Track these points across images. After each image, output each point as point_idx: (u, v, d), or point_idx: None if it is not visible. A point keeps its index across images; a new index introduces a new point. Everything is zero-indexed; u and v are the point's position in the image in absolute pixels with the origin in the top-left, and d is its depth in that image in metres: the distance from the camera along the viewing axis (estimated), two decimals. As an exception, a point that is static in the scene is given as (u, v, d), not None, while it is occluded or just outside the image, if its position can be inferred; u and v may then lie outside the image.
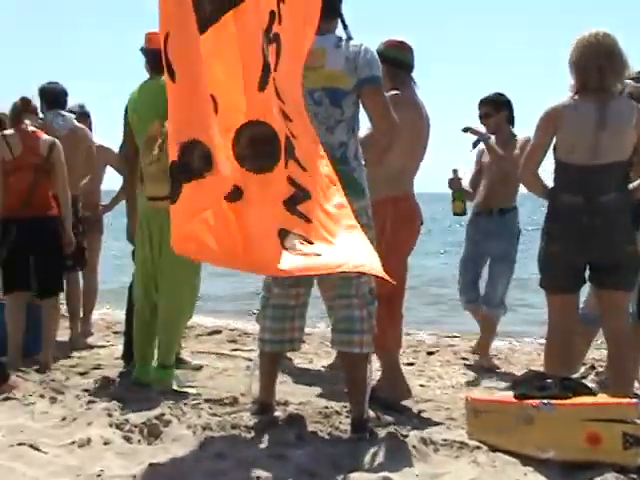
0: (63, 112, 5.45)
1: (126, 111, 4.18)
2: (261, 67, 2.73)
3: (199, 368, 4.73)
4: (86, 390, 3.87)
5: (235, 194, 2.71)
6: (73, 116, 5.52)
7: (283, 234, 2.77)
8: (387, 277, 2.82)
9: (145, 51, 4.16)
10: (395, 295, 3.73)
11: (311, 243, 2.79)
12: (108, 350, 5.38)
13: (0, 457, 2.75)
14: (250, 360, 4.93)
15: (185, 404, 3.49)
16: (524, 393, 3.02)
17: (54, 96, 5.47)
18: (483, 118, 5.06)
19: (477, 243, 5.09)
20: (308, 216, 2.83)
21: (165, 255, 3.94)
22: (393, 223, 3.77)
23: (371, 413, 3.31)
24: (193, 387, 4.11)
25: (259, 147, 2.72)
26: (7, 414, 3.38)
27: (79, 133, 5.38)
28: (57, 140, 4.69)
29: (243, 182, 2.73)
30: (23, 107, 4.63)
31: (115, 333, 6.06)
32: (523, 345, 6.26)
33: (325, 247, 2.82)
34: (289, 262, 2.74)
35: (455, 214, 5.17)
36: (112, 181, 6.13)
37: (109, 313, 7.24)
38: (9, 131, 4.60)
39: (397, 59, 3.87)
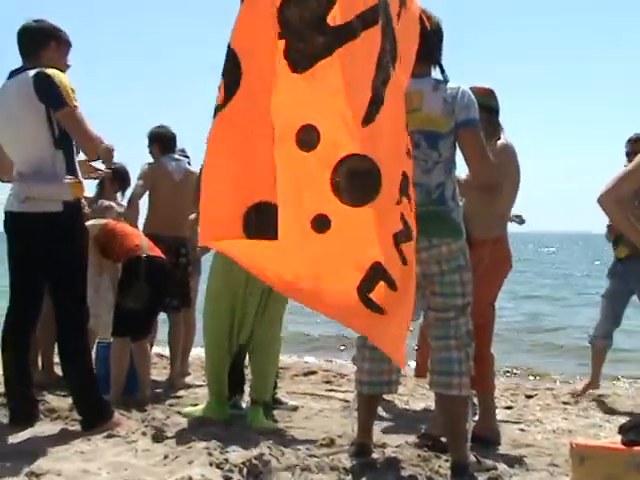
0: (176, 156, 5.66)
1: None
2: (368, 102, 2.74)
3: (295, 409, 4.75)
4: (186, 429, 3.93)
5: (321, 223, 2.71)
6: (187, 160, 5.72)
7: (375, 272, 2.74)
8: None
9: None
10: (484, 335, 3.69)
11: (395, 290, 2.76)
12: (205, 389, 5.47)
13: (106, 494, 2.81)
14: (346, 401, 4.93)
15: (284, 445, 3.50)
16: (633, 439, 2.90)
17: (167, 140, 5.68)
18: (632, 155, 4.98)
19: (627, 281, 5.41)
20: (406, 258, 2.82)
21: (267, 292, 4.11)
22: (489, 264, 3.75)
23: (471, 457, 3.24)
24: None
25: (357, 181, 2.72)
26: (111, 451, 3.45)
27: (191, 177, 5.51)
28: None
29: (334, 213, 2.72)
30: None
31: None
32: (627, 388, 6.03)
33: (397, 305, 2.79)
34: (352, 313, 2.74)
35: (619, 259, 5.51)
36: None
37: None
38: None
39: (490, 106, 3.91)
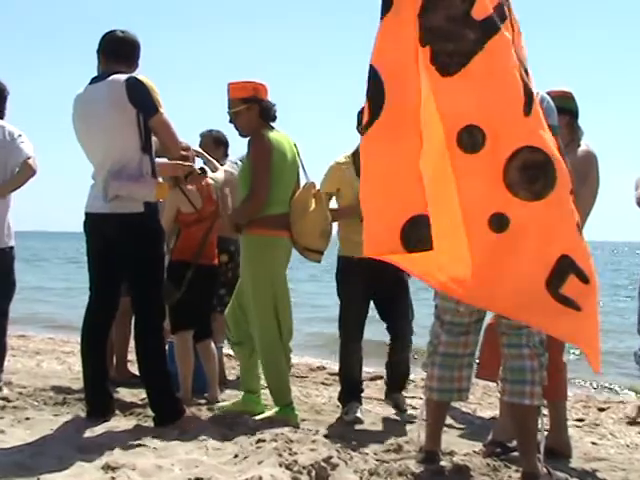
0: (232, 159, 5.76)
1: None
2: (523, 92, 2.70)
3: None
4: (255, 429, 3.98)
5: (499, 222, 2.71)
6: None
7: (563, 265, 2.68)
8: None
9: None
10: (557, 344, 3.61)
11: (587, 282, 2.69)
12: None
13: (178, 489, 2.87)
14: (412, 407, 4.91)
15: (352, 448, 3.50)
16: None
17: (226, 144, 5.79)
18: None
19: None
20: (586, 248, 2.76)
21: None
22: None
23: (542, 469, 3.18)
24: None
25: (532, 174, 2.68)
26: (182, 448, 3.51)
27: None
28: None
29: (511, 210, 2.70)
30: None
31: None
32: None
33: (592, 300, 2.74)
34: (543, 311, 2.71)
35: None
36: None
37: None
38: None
39: (570, 109, 3.84)
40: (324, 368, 7.28)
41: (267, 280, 4.22)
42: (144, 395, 4.46)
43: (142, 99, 3.82)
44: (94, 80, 4.00)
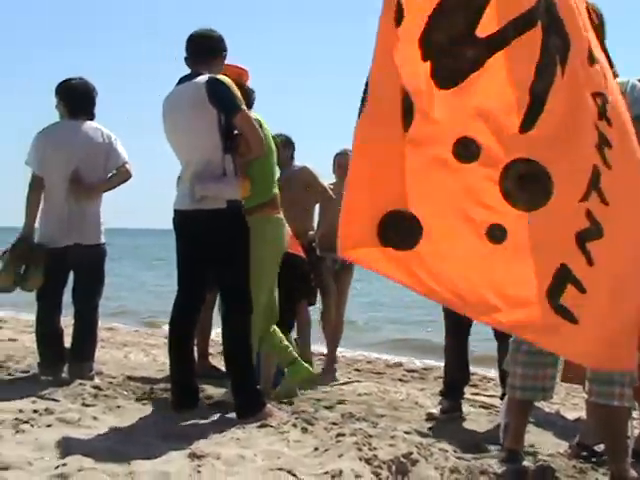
0: None
1: None
2: (526, 107, 2.71)
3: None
4: (334, 423, 4.01)
5: (495, 233, 2.72)
6: None
7: (563, 274, 2.67)
8: None
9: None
10: None
11: (583, 292, 2.67)
12: (351, 387, 5.58)
13: (261, 479, 2.92)
14: (492, 406, 4.86)
15: (432, 445, 3.50)
16: None
17: (292, 146, 5.97)
18: None
19: None
20: (593, 259, 2.69)
21: None
22: None
23: (632, 473, 3.10)
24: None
25: (528, 184, 2.71)
26: (264, 440, 3.57)
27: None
28: None
29: (508, 220, 2.72)
30: None
31: (357, 371, 6.29)
32: None
33: (590, 312, 2.68)
34: (541, 326, 2.69)
35: None
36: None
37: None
38: None
39: None
40: (401, 365, 7.27)
41: (277, 259, 4.38)
42: (226, 387, 4.57)
43: (222, 99, 3.88)
44: (181, 81, 4.10)
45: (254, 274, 4.13)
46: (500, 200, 2.73)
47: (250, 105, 4.38)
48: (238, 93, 3.93)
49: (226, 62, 4.30)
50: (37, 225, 5.02)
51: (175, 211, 4.14)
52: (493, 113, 2.75)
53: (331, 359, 6.11)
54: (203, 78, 3.95)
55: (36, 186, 4.99)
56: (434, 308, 4.72)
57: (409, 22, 2.75)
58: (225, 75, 4.12)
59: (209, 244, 4.01)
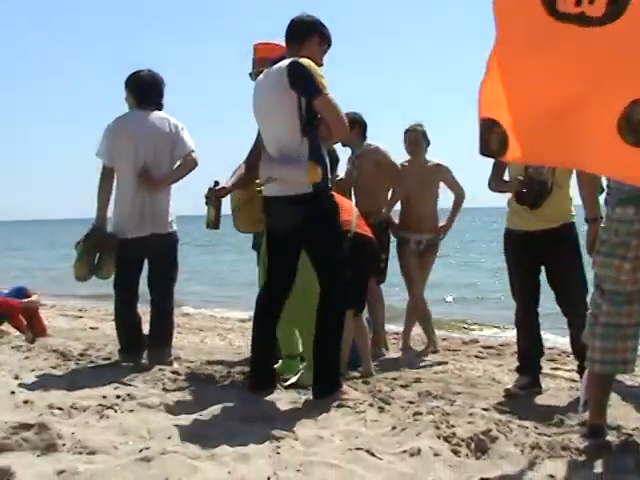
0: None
1: None
2: None
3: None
4: (411, 402, 4.00)
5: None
6: None
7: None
8: None
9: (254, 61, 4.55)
10: None
11: None
12: (426, 364, 5.56)
13: (339, 459, 2.93)
14: (572, 380, 4.77)
15: (511, 422, 3.45)
16: None
17: (363, 125, 5.95)
18: None
19: None
20: None
21: None
22: None
23: None
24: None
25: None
26: (341, 420, 3.59)
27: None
28: None
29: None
30: None
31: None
32: None
33: None
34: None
35: None
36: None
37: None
38: None
39: None
40: (477, 341, 7.20)
41: None
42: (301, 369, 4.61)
43: (302, 83, 3.86)
44: (272, 64, 4.11)
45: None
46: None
47: None
48: (320, 77, 3.88)
49: (272, 41, 4.38)
50: (110, 215, 5.15)
51: (263, 198, 4.17)
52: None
53: (407, 336, 6.10)
54: (285, 62, 3.95)
55: (107, 177, 5.11)
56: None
57: None
58: (274, 52, 4.18)
59: (300, 229, 3.98)
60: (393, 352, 6.08)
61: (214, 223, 4.66)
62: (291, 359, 4.73)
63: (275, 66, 4.01)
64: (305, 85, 3.86)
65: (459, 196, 6.13)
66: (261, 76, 4.14)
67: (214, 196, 4.61)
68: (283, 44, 4.39)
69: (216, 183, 4.64)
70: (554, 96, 2.97)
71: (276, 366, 4.65)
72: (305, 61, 3.89)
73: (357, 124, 5.76)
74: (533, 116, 3.00)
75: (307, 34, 4.06)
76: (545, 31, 2.96)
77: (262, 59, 4.59)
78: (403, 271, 6.04)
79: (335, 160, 5.71)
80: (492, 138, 3.02)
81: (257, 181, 4.40)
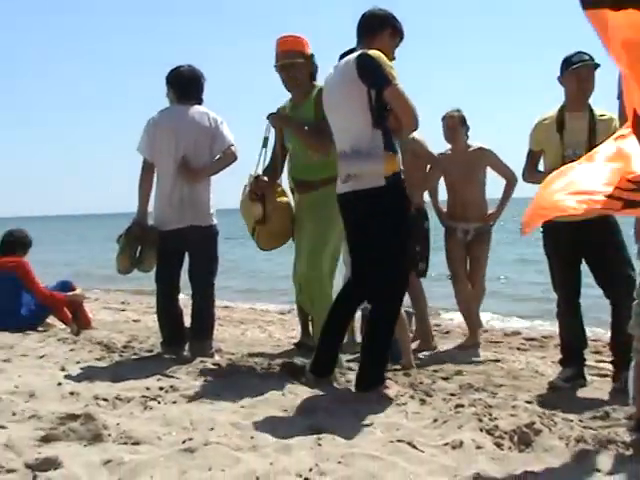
0: None
1: None
2: None
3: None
4: (452, 394, 3.98)
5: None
6: None
7: None
8: None
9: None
10: None
11: None
12: (468, 357, 5.52)
13: (381, 451, 2.93)
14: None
15: (555, 414, 3.41)
16: None
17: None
18: None
19: None
20: None
21: None
22: None
23: None
24: None
25: None
26: (382, 412, 3.58)
27: None
28: None
29: None
30: None
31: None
32: None
33: None
34: None
35: None
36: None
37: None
38: None
39: None
40: (519, 333, 7.13)
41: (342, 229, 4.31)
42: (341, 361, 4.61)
43: (371, 74, 3.81)
44: (341, 57, 4.10)
45: (323, 241, 4.37)
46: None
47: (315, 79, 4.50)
48: (390, 68, 3.83)
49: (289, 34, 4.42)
50: (151, 209, 5.20)
51: (338, 195, 4.12)
52: None
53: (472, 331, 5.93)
54: (354, 54, 3.93)
55: (147, 171, 5.16)
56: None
57: None
58: (305, 46, 4.29)
59: (369, 224, 3.94)
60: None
61: (263, 218, 4.66)
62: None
63: (343, 59, 4.00)
64: (374, 76, 3.81)
65: (509, 179, 5.82)
66: (330, 70, 4.11)
67: (258, 191, 4.62)
68: (305, 37, 4.42)
69: (257, 177, 4.65)
70: None
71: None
72: (374, 52, 3.85)
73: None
74: None
75: (379, 27, 4.01)
76: None
77: (284, 52, 4.57)
78: (448, 262, 5.96)
79: None
80: None
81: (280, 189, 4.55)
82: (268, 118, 4.63)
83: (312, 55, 4.59)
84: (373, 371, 3.97)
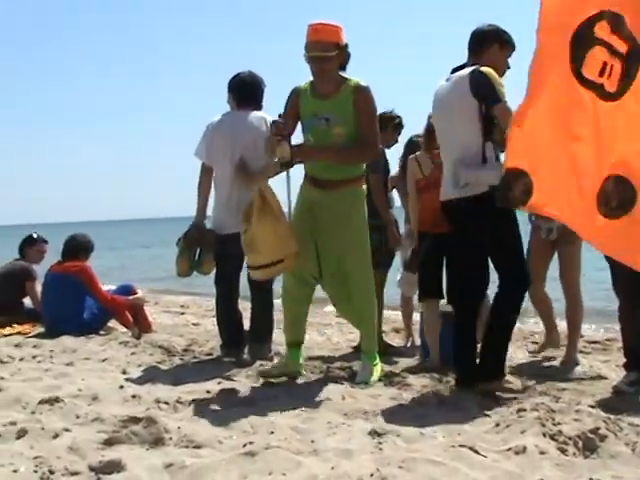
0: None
1: None
2: None
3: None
4: (514, 398, 3.91)
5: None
6: None
7: None
8: None
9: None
10: None
11: None
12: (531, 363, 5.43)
13: (443, 456, 2.89)
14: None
15: (620, 420, 3.32)
16: None
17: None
18: None
19: None
20: None
21: None
22: None
23: None
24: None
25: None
26: (443, 416, 3.53)
27: None
28: None
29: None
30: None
31: (534, 343, 6.11)
32: None
33: None
34: None
35: None
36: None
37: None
38: (420, 152, 5.19)
39: None
40: (582, 336, 6.95)
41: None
42: (401, 365, 4.59)
43: (483, 91, 3.99)
44: (453, 71, 4.26)
45: (366, 262, 4.45)
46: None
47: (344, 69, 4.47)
48: (500, 86, 4.01)
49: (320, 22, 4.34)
50: (210, 213, 5.26)
51: (440, 202, 4.27)
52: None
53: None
54: (467, 70, 4.10)
55: (205, 175, 5.22)
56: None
57: None
58: (340, 36, 4.28)
59: (478, 229, 4.09)
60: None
61: (290, 158, 4.30)
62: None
63: (456, 73, 4.16)
64: (486, 93, 3.99)
65: None
66: (442, 82, 4.25)
67: (281, 132, 4.26)
68: (340, 25, 4.35)
69: (280, 116, 4.36)
70: (569, 155, 3.38)
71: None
72: (486, 69, 4.03)
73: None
74: (554, 169, 3.41)
75: (485, 44, 4.19)
76: (568, 91, 3.34)
77: (316, 42, 4.29)
78: (529, 262, 5.69)
79: (386, 162, 5.70)
80: (518, 187, 3.49)
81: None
82: (292, 148, 4.30)
83: (346, 45, 4.39)
84: (493, 367, 4.08)
